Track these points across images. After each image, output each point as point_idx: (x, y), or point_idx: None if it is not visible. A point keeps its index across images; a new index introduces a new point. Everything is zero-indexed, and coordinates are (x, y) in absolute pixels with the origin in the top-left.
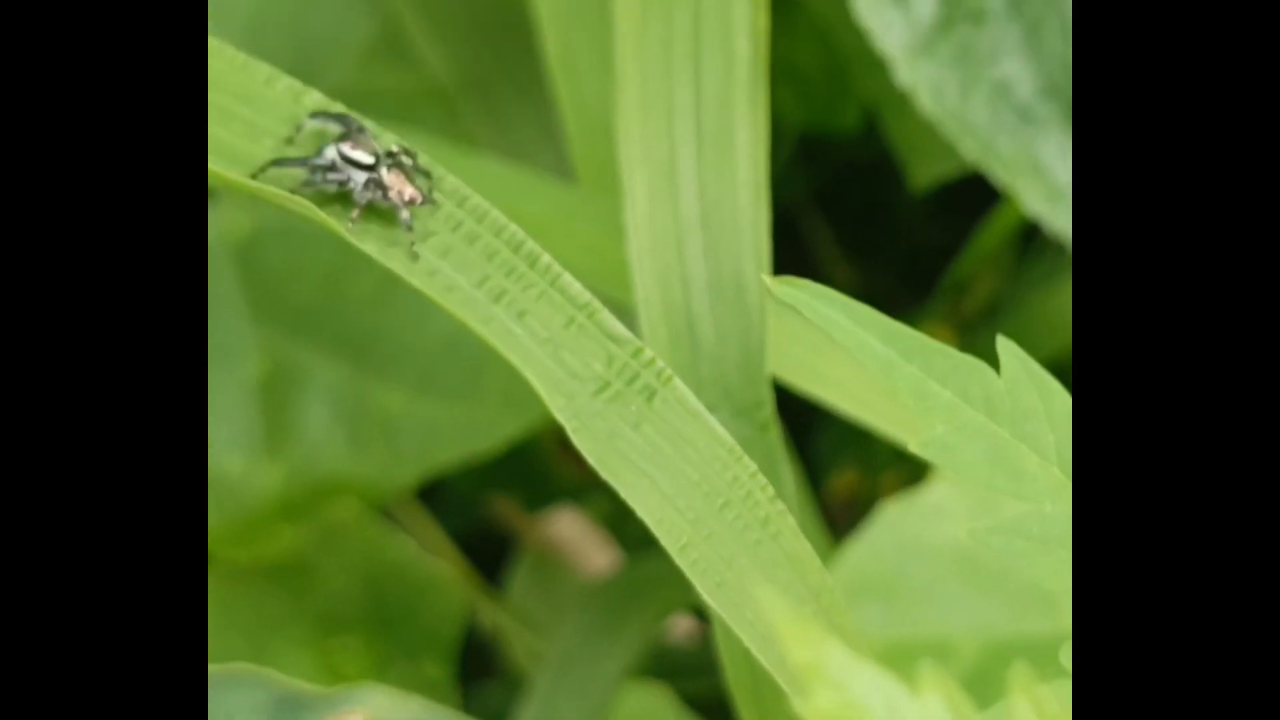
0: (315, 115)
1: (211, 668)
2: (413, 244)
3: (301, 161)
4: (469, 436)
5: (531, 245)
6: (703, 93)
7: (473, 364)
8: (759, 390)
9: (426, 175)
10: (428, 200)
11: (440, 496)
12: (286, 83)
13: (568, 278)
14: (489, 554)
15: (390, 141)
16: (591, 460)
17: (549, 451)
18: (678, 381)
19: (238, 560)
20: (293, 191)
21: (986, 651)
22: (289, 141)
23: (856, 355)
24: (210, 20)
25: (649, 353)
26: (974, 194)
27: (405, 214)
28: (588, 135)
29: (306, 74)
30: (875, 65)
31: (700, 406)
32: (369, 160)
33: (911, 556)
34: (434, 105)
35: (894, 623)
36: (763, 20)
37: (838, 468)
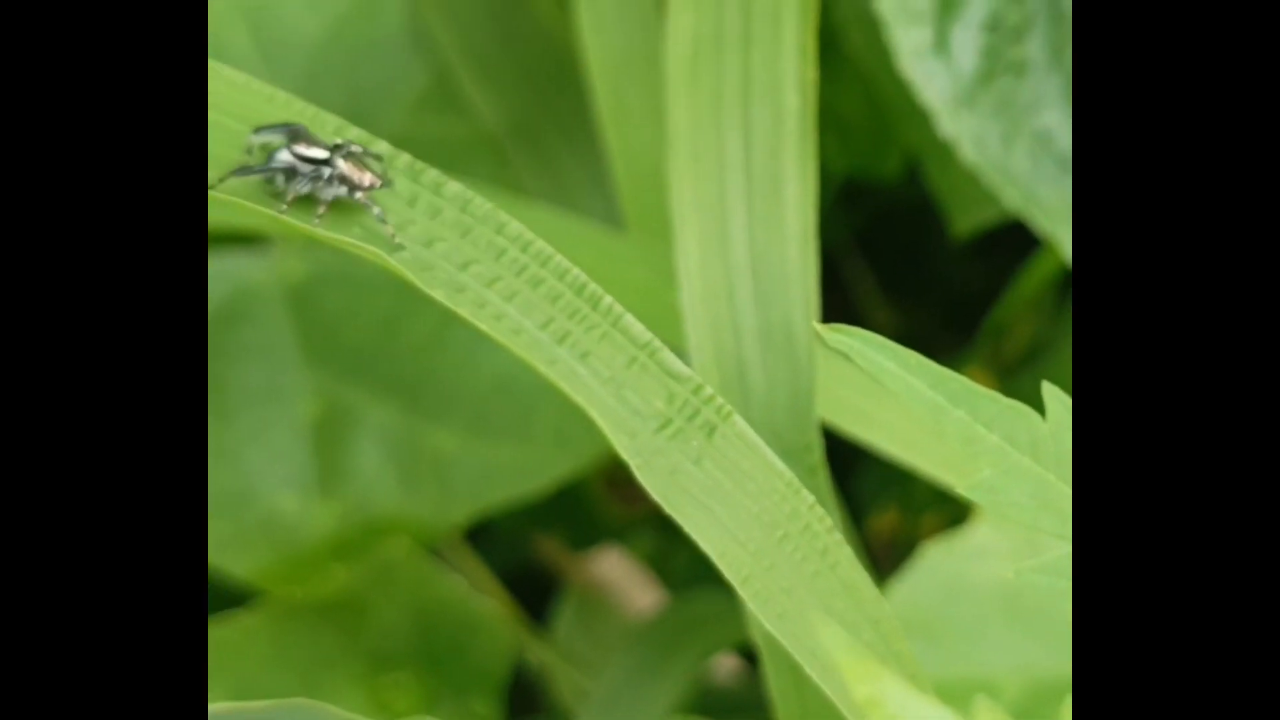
0: (259, 131)
1: (267, 702)
2: (393, 235)
3: (261, 169)
4: (520, 477)
5: (594, 288)
6: (752, 145)
7: (524, 406)
8: (808, 434)
9: (378, 159)
10: (386, 182)
11: (487, 535)
12: (356, 132)
13: (629, 318)
14: (534, 592)
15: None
16: (655, 495)
17: (595, 492)
18: (737, 417)
19: (292, 598)
20: (265, 200)
21: (1029, 691)
22: (243, 160)
23: (905, 400)
24: (267, 69)
25: (709, 390)
26: (1013, 238)
27: (361, 195)
28: (636, 183)
29: (360, 122)
30: (917, 115)
31: (759, 440)
32: (323, 155)
33: (954, 597)
34: (485, 153)
35: (937, 662)
36: (811, 74)
37: (879, 508)
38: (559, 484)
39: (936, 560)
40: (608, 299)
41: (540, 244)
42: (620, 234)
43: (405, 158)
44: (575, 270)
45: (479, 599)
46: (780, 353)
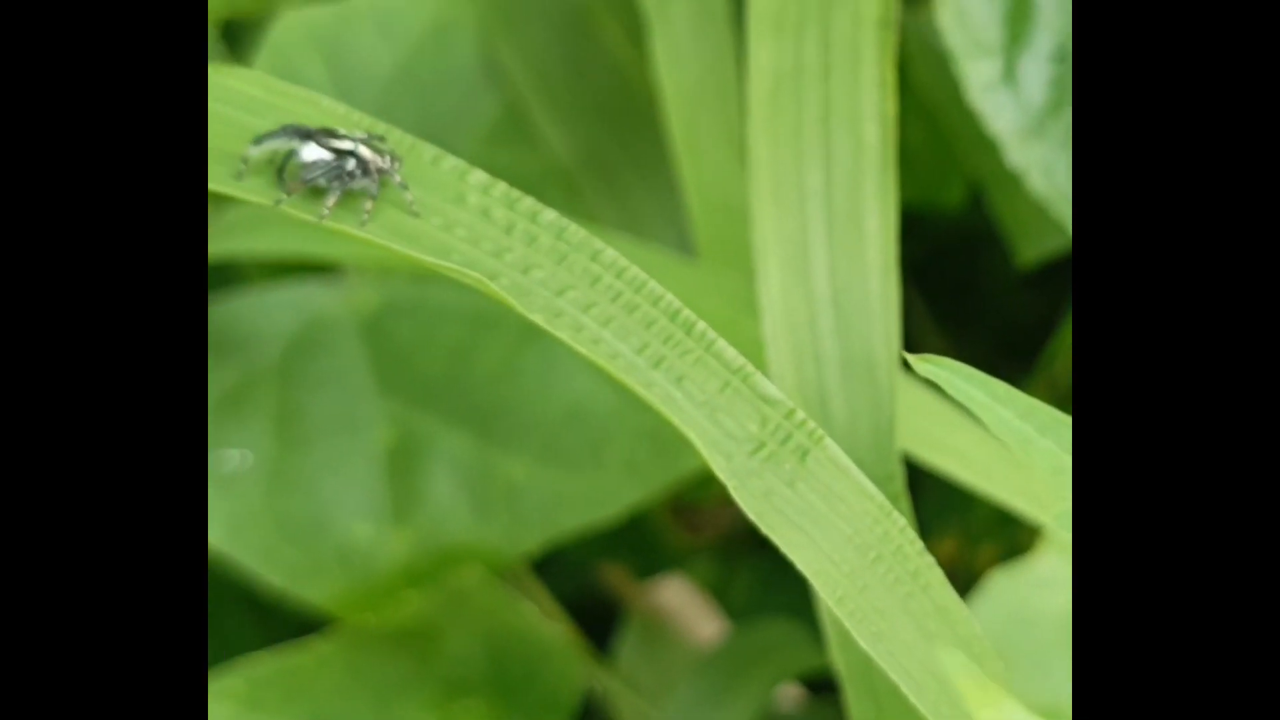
0: (259, 141)
1: None
2: (411, 203)
3: (310, 175)
4: (590, 505)
5: (687, 313)
6: (833, 177)
7: (594, 435)
8: (889, 464)
9: (380, 138)
10: (397, 158)
11: (550, 562)
12: (452, 162)
13: (722, 343)
14: (596, 619)
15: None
16: (751, 516)
17: (660, 520)
18: (829, 441)
19: (365, 625)
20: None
21: None
22: (239, 175)
23: (995, 430)
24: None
25: (801, 414)
26: (1062, 267)
27: (397, 177)
28: (710, 214)
29: None
30: (984, 146)
31: (850, 464)
32: (349, 146)
33: (1021, 626)
34: (556, 184)
35: None
36: (891, 107)
37: (938, 535)
38: (628, 513)
39: (1003, 589)
40: (700, 324)
41: (634, 270)
42: (693, 263)
43: (501, 186)
44: (669, 296)
45: (549, 626)
46: (861, 382)
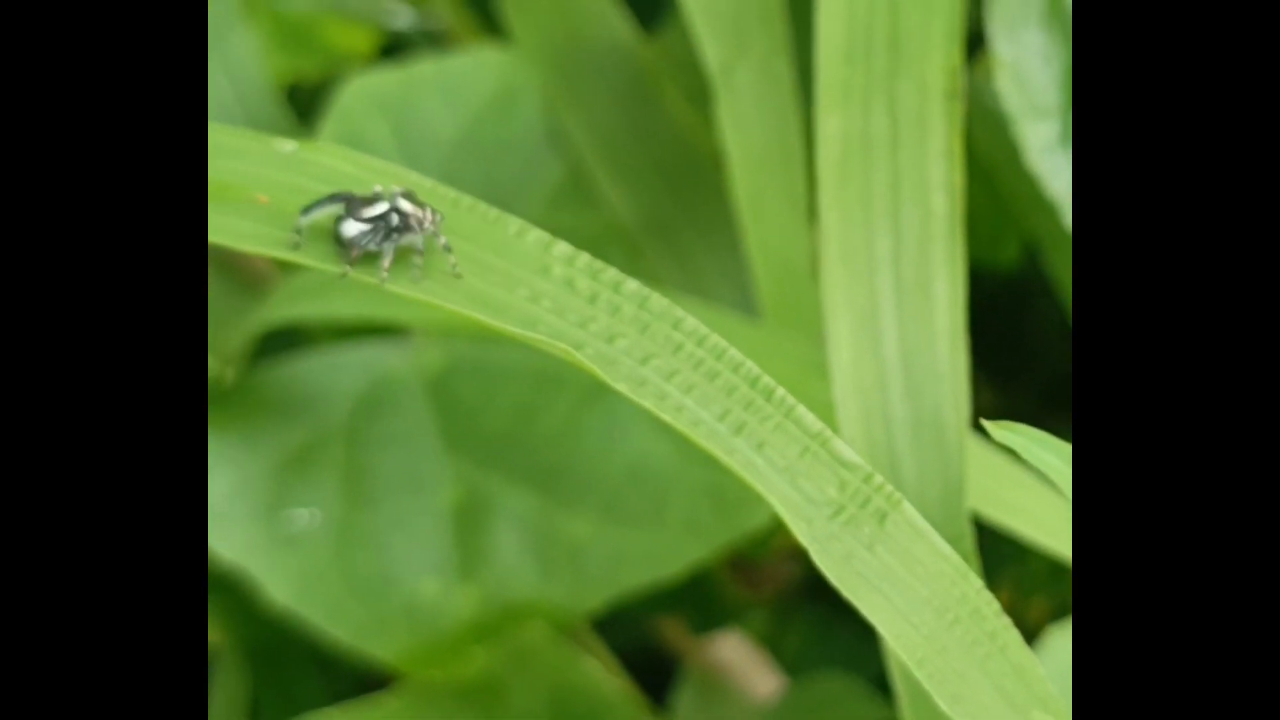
0: (306, 211)
1: None
2: (454, 264)
3: (367, 235)
4: (653, 564)
5: (766, 380)
6: (902, 245)
7: (656, 493)
8: (959, 524)
9: (411, 195)
10: (438, 213)
11: (609, 616)
12: (536, 235)
13: (801, 409)
14: (654, 674)
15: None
16: (833, 580)
17: (719, 576)
18: (906, 504)
19: (432, 681)
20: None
21: None
22: (295, 246)
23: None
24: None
25: (879, 478)
26: None
27: (442, 238)
28: (773, 276)
29: None
30: (1041, 205)
31: (928, 527)
32: (383, 209)
33: None
34: (618, 246)
35: None
36: (958, 178)
37: (993, 588)
38: (690, 570)
39: (1061, 644)
40: (780, 390)
41: (715, 338)
42: (758, 325)
43: (585, 257)
44: (748, 363)
45: (612, 682)
46: (931, 445)
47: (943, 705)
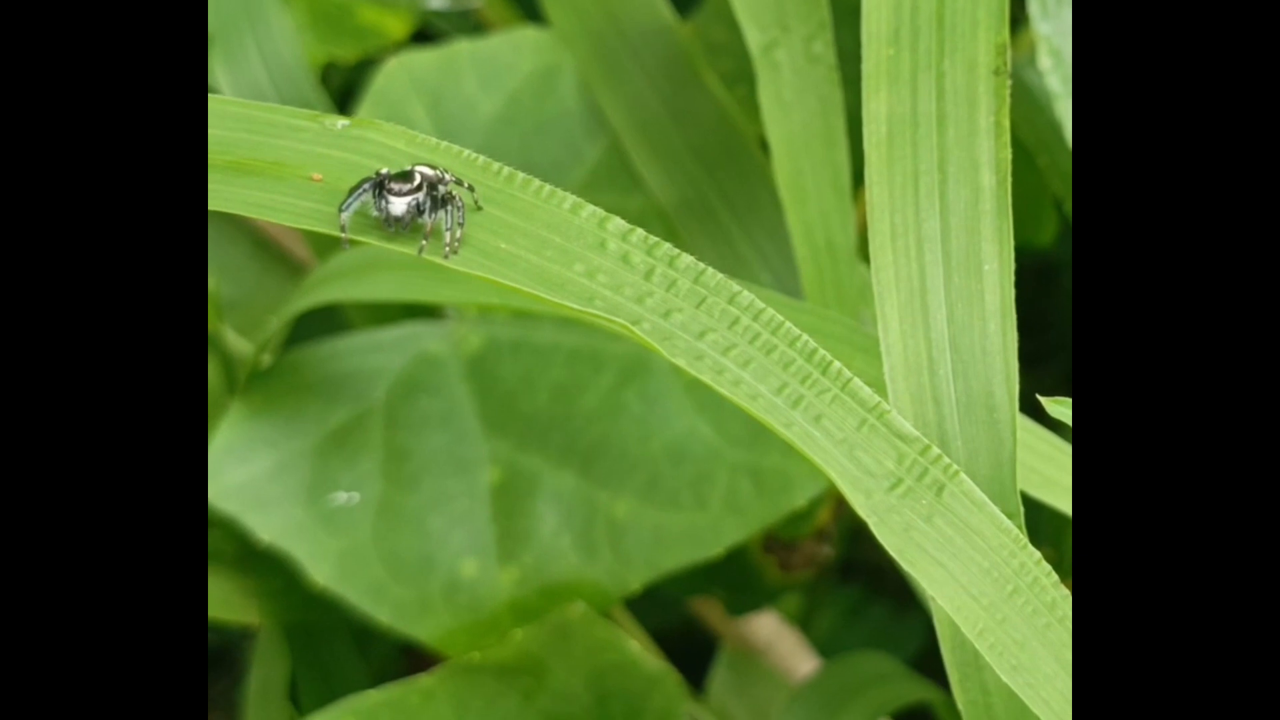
0: (346, 206)
1: None
2: (476, 200)
3: (410, 212)
4: (693, 543)
5: (822, 353)
6: (950, 223)
7: (696, 474)
8: (1011, 501)
9: (439, 168)
10: (463, 183)
11: (645, 596)
12: (590, 210)
13: (857, 382)
14: (689, 653)
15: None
16: (892, 552)
17: (755, 557)
18: (963, 476)
19: (472, 660)
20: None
21: None
22: (345, 244)
23: None
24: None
25: (935, 450)
26: None
27: (474, 195)
28: (815, 256)
29: None
30: None
31: (985, 498)
32: (415, 182)
33: None
34: (655, 226)
35: None
36: (1006, 154)
37: None
38: (729, 551)
39: None
40: (836, 364)
41: (770, 312)
42: (801, 305)
43: (639, 232)
44: (804, 336)
45: (652, 662)
46: (981, 424)
47: (1003, 675)
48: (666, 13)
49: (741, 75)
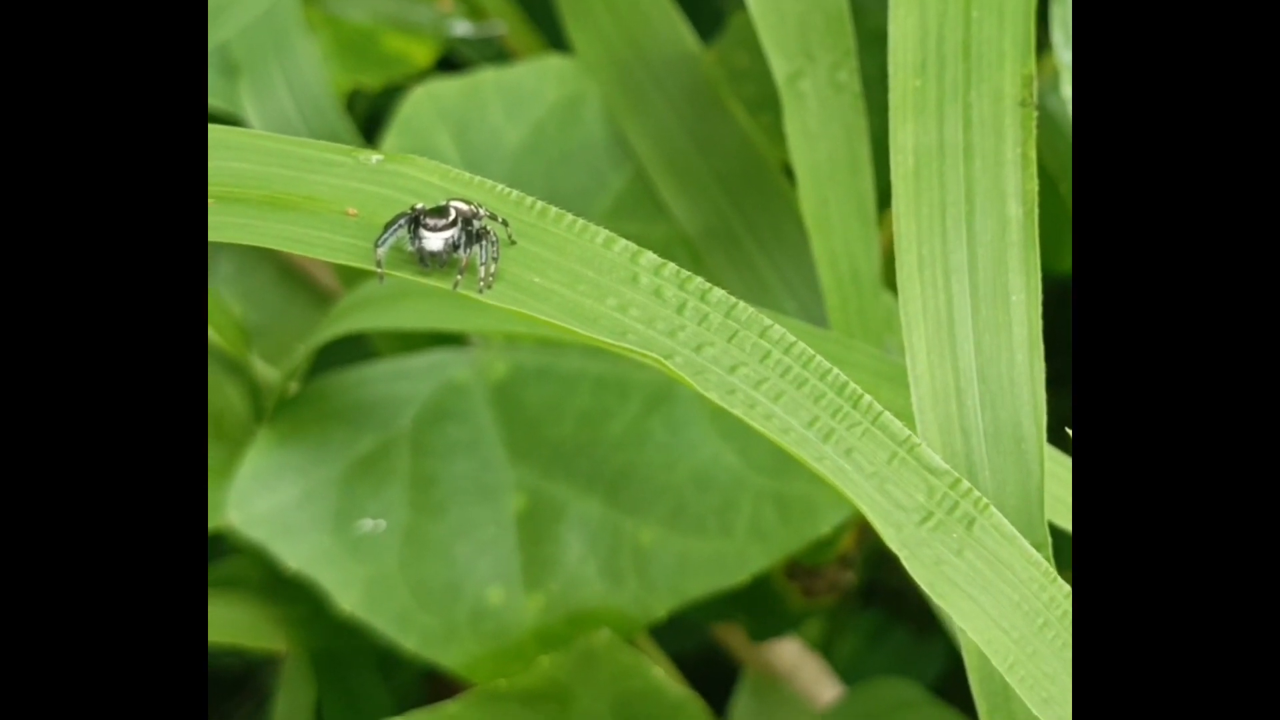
0: (382, 242)
1: None
2: (510, 235)
3: (446, 248)
4: (719, 571)
5: (853, 387)
6: (977, 254)
7: (721, 501)
8: (1038, 533)
9: (473, 202)
10: (495, 215)
11: (668, 622)
12: (623, 244)
13: (888, 415)
14: (712, 679)
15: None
16: (923, 586)
17: (777, 582)
18: (993, 509)
19: (497, 688)
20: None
21: None
22: (380, 279)
23: None
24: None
25: (966, 483)
26: None
27: (508, 229)
28: (841, 286)
29: None
30: None
31: (1015, 532)
32: (450, 218)
33: None
34: (680, 254)
35: None
36: (1033, 185)
37: None
38: (753, 578)
39: None
40: (867, 397)
41: (801, 346)
42: (827, 334)
43: (671, 266)
44: (835, 370)
45: (676, 688)
46: (1009, 454)
47: (1034, 709)
48: (690, 40)
49: (765, 101)
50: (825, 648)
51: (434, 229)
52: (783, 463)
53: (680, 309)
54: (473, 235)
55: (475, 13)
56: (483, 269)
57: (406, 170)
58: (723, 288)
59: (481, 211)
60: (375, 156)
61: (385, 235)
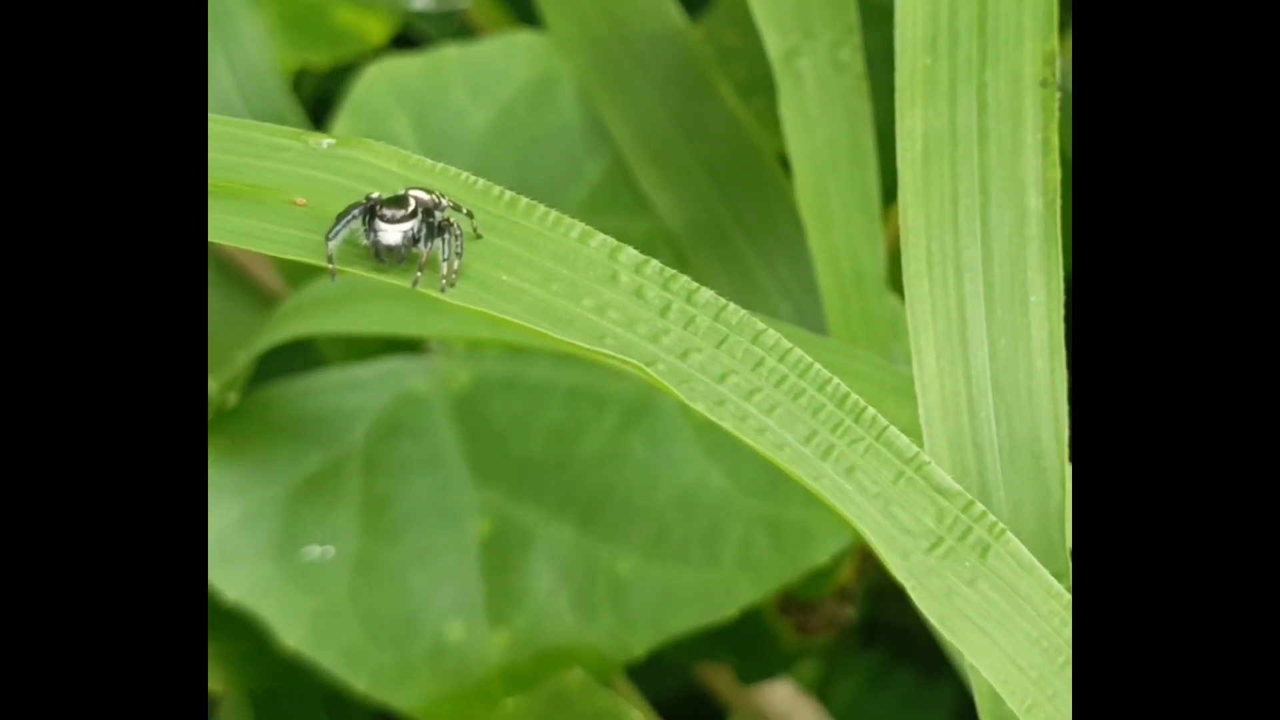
0: (334, 235)
1: None
2: (475, 228)
3: (405, 240)
4: (703, 604)
5: (855, 398)
6: (992, 251)
7: (707, 527)
8: (1059, 561)
9: (436, 191)
10: (460, 208)
11: (647, 662)
12: (600, 239)
13: (893, 430)
14: None
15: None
16: (932, 619)
17: (769, 617)
18: (1010, 536)
19: None
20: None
21: None
22: (332, 276)
23: None
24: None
25: (979, 506)
26: None
27: (473, 222)
28: (842, 287)
29: None
30: None
31: (1034, 561)
32: (409, 208)
33: None
34: (662, 252)
35: None
36: (1055, 174)
37: None
38: (742, 613)
39: None
40: (870, 410)
41: (798, 353)
42: (826, 341)
43: (654, 263)
44: (836, 380)
45: None
46: (1027, 472)
47: None
48: (675, 15)
49: (758, 84)
50: (821, 691)
51: (391, 220)
52: (776, 483)
53: (664, 311)
54: (434, 228)
55: None
56: (445, 265)
57: (361, 156)
58: (711, 288)
59: (444, 202)
60: (326, 141)
61: (337, 227)
